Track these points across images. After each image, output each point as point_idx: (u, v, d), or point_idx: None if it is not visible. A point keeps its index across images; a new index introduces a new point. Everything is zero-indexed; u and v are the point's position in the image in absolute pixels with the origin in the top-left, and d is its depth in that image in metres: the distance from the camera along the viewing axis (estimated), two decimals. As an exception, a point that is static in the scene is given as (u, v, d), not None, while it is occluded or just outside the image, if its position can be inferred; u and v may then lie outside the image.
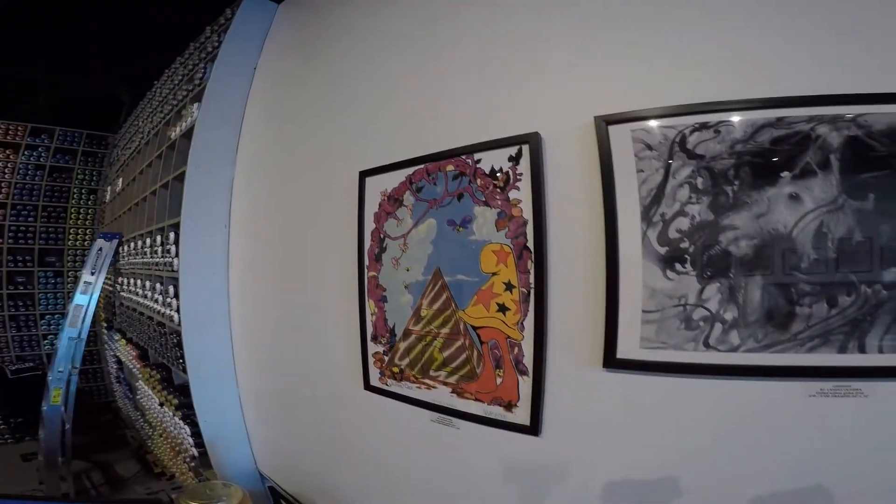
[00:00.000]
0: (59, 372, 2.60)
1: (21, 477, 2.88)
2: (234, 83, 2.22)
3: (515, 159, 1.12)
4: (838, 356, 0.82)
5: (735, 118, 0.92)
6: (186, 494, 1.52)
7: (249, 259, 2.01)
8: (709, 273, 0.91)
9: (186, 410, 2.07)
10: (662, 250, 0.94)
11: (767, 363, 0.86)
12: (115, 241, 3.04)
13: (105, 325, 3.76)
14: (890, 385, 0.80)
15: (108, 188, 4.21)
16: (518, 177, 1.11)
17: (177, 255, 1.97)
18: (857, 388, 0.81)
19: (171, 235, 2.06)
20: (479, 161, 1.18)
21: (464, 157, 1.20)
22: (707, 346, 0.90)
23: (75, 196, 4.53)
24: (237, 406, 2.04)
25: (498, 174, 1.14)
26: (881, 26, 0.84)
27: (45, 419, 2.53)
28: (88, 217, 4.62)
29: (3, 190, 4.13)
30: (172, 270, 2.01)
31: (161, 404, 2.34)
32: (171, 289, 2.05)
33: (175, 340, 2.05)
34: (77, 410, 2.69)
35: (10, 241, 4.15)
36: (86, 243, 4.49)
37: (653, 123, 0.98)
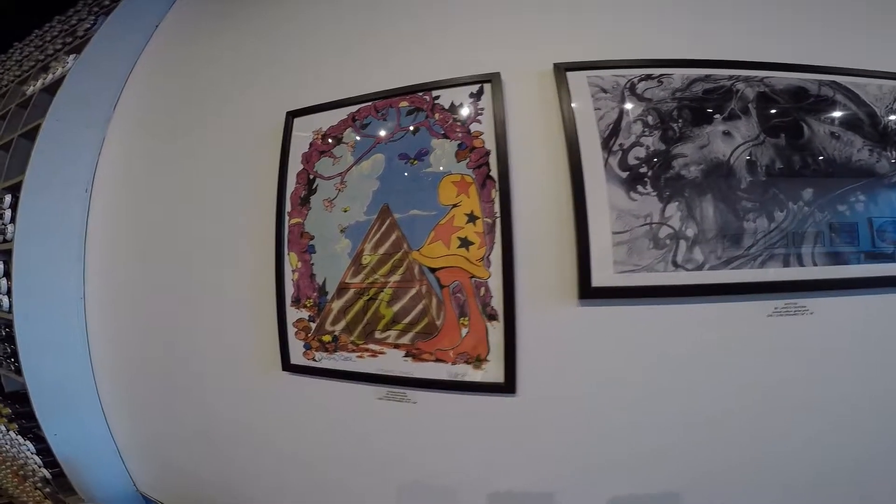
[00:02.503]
0: None
1: None
2: (128, 38, 1.90)
3: (477, 96, 1.08)
4: (784, 270, 0.91)
5: (673, 72, 1.04)
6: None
7: (120, 226, 1.58)
8: (668, 193, 0.94)
9: (25, 422, 1.54)
10: (624, 174, 0.96)
11: (729, 280, 0.91)
12: None
13: None
14: (828, 301, 0.90)
15: None
16: (480, 111, 1.07)
17: (12, 220, 1.46)
18: (804, 305, 0.90)
19: (7, 199, 1.54)
20: (437, 97, 1.11)
21: (420, 93, 1.13)
22: (675, 265, 0.91)
23: None
24: (98, 411, 1.52)
25: (459, 109, 1.09)
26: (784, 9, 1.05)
27: None
28: None
29: None
30: (5, 240, 1.48)
31: (-10, 418, 1.67)
32: (1, 265, 1.50)
33: (4, 333, 1.48)
34: None
35: None
36: None
37: (606, 72, 1.05)
